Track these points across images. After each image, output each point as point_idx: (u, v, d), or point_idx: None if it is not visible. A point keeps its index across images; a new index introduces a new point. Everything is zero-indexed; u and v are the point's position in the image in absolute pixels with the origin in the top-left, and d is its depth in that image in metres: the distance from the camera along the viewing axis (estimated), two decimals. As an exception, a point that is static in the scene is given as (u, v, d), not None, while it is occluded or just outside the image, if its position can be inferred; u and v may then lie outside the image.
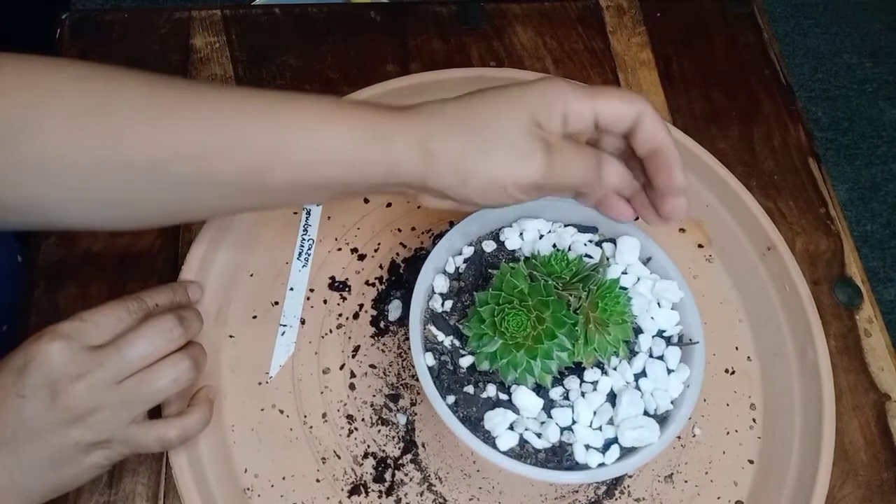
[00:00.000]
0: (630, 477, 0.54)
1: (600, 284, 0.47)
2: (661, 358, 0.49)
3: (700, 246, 0.62)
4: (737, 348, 0.59)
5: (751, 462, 0.55)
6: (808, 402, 0.55)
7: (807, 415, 0.55)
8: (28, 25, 0.82)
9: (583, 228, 0.53)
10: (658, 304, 0.51)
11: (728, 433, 0.56)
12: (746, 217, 0.61)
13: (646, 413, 0.47)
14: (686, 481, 0.54)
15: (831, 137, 1.62)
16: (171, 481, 0.50)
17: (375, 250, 0.60)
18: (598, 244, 0.52)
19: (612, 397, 0.48)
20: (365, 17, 0.70)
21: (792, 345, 0.57)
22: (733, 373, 0.58)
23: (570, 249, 0.52)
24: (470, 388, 0.47)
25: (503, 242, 0.52)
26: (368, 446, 0.53)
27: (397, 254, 0.60)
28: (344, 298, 0.58)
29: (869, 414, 0.57)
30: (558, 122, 0.41)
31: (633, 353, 0.49)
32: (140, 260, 0.58)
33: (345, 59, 0.68)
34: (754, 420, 0.56)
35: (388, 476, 0.52)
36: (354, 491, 0.52)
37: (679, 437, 0.55)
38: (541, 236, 0.52)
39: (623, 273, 0.51)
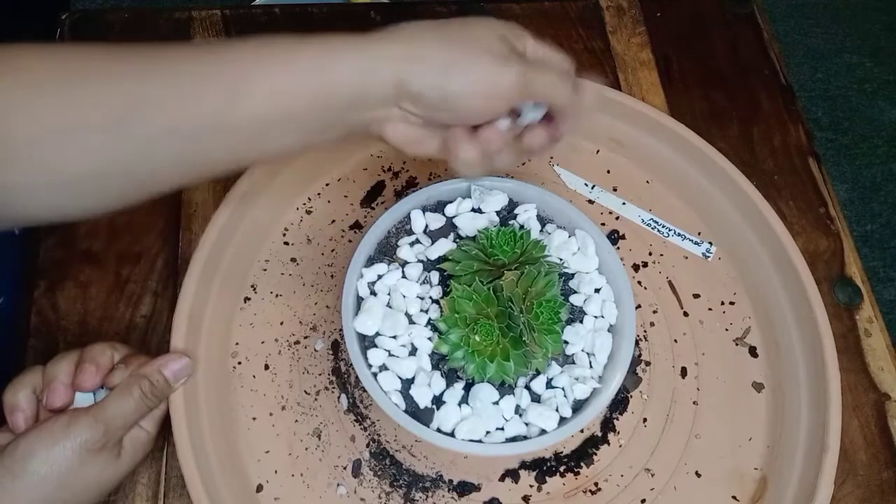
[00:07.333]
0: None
1: (534, 276, 0.48)
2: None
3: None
4: (746, 373, 0.57)
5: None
6: (814, 431, 0.52)
7: (812, 444, 0.52)
8: (28, 25, 0.82)
9: (539, 219, 0.55)
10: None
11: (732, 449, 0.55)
12: (772, 240, 0.58)
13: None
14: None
15: (831, 137, 1.62)
16: (171, 481, 0.50)
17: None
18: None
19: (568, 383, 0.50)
20: (365, 17, 0.70)
21: (804, 372, 0.55)
22: (739, 399, 0.56)
23: (521, 228, 0.53)
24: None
25: (452, 218, 0.54)
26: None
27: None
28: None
29: (869, 414, 0.57)
30: (523, 47, 0.44)
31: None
32: (140, 260, 0.58)
33: (345, 59, 0.68)
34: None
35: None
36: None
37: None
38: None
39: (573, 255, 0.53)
